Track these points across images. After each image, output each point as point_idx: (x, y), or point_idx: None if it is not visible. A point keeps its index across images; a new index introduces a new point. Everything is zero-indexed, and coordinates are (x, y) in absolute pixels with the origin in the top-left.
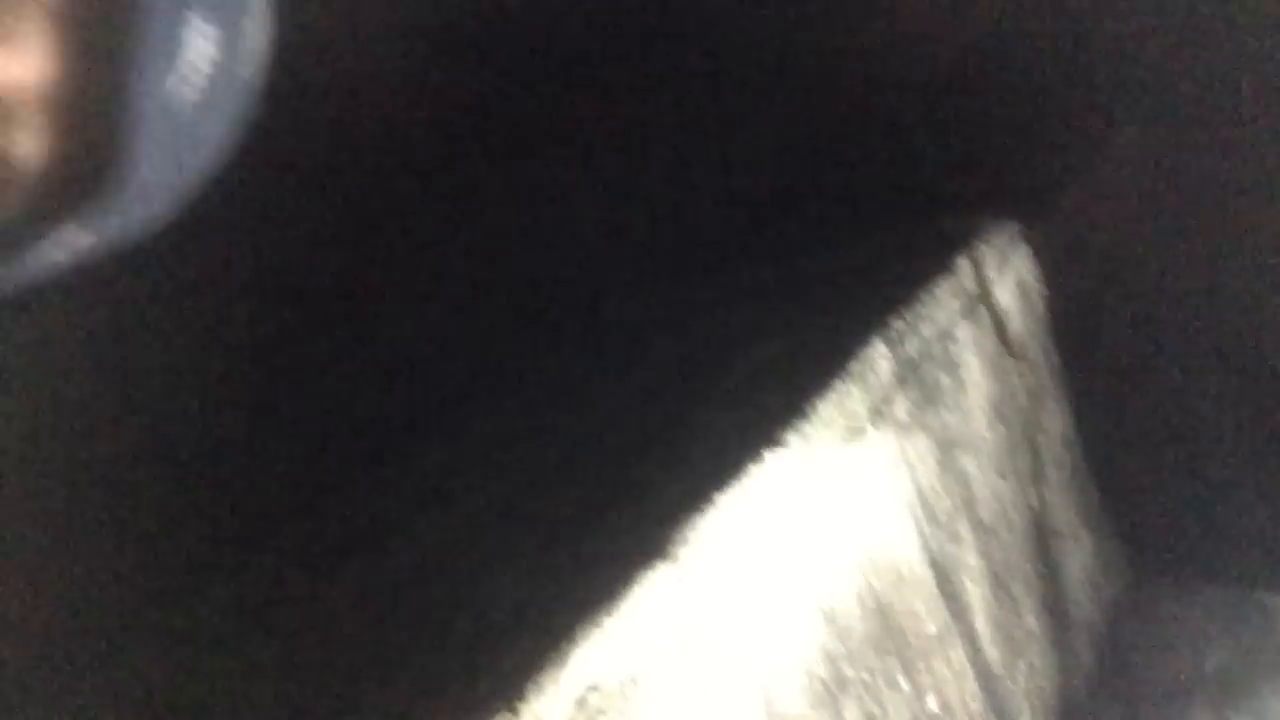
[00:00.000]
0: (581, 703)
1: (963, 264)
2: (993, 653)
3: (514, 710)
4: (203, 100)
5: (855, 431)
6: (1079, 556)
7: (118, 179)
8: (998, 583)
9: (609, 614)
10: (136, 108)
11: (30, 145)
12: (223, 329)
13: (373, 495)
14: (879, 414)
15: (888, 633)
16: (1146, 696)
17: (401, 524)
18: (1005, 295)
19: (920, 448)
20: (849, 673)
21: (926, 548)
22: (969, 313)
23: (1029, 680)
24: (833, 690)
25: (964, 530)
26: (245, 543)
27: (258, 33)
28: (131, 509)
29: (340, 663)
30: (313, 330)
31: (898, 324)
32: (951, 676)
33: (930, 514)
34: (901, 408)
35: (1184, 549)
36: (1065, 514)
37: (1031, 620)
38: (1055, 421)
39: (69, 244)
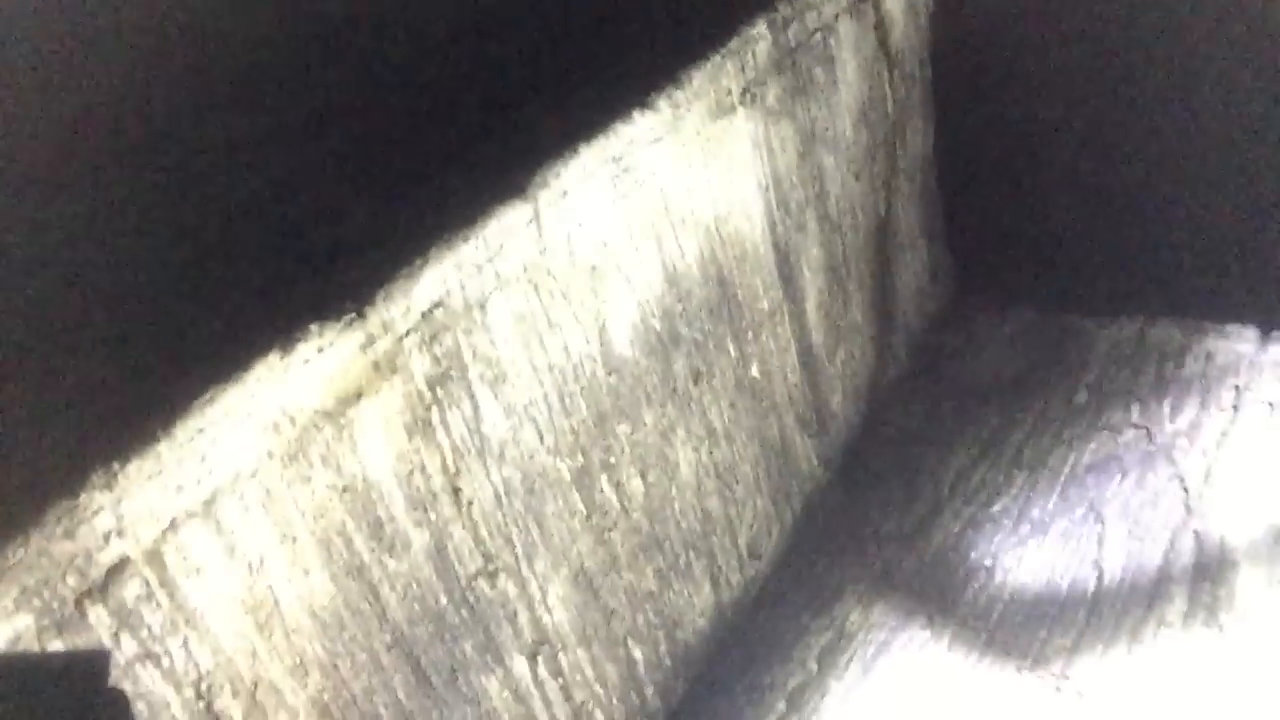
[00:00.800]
0: (427, 316)
1: None
2: (817, 336)
3: (362, 314)
4: None
5: (724, 108)
6: (912, 266)
7: None
8: (833, 275)
9: (462, 240)
10: None
11: None
12: None
13: (246, 118)
14: (750, 95)
15: (724, 301)
16: (947, 396)
17: (268, 147)
18: (893, 1)
19: (784, 136)
20: (683, 330)
21: (773, 231)
22: (854, 11)
23: (846, 366)
24: (665, 343)
25: (811, 221)
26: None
27: None
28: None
29: (200, 271)
30: None
31: (782, 8)
32: (776, 350)
33: (782, 200)
34: (773, 93)
35: (1005, 272)
36: (907, 225)
37: (858, 315)
38: (916, 135)
39: None
